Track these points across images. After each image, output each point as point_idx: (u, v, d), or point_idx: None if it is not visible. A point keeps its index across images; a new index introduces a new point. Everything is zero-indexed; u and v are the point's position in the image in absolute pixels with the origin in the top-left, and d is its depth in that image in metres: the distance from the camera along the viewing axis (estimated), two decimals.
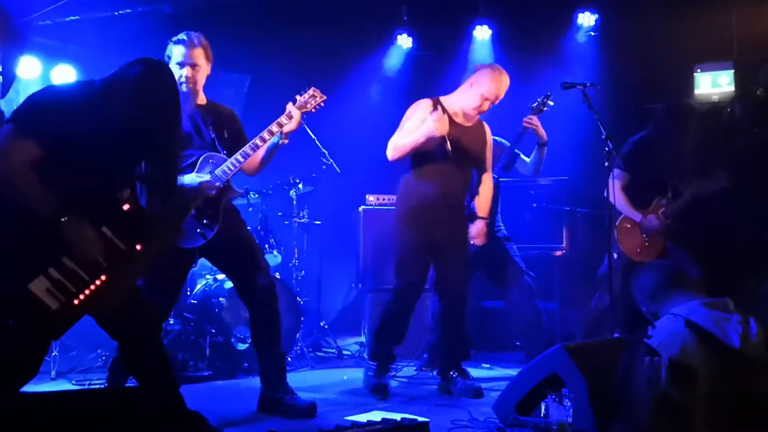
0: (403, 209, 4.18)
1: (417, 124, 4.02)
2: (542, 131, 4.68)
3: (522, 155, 4.93)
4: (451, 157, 4.02)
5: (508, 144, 4.88)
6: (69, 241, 2.55)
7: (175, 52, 3.55)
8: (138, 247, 2.73)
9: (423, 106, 4.11)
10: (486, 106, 4.10)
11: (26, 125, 2.58)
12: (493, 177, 4.76)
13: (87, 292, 2.60)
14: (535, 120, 4.64)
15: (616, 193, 4.34)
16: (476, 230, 4.24)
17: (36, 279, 2.52)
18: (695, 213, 4.33)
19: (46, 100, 2.67)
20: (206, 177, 3.46)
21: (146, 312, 2.93)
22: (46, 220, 2.54)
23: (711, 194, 4.31)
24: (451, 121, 4.04)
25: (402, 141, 4.04)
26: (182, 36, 3.57)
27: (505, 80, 4.12)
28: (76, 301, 2.58)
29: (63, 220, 2.55)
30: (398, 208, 4.26)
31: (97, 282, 2.62)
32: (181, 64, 3.54)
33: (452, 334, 4.22)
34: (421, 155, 4.06)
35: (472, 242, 4.25)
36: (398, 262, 4.18)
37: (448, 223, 4.12)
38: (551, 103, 4.72)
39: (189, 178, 3.43)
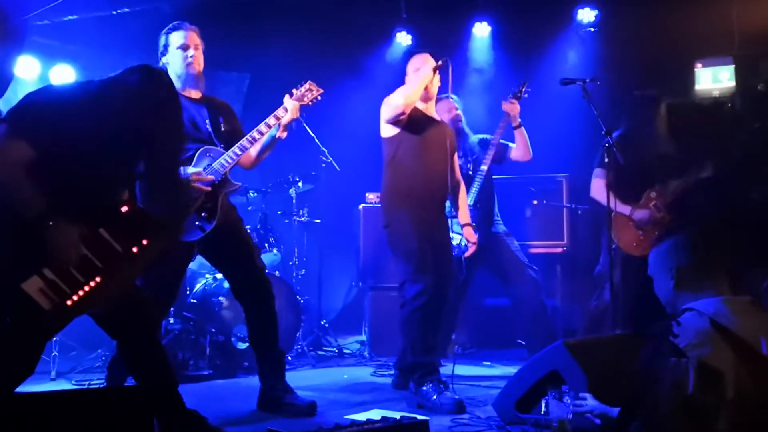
0: (393, 212, 3.97)
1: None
2: (515, 114, 4.80)
3: (511, 144, 4.98)
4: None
5: (490, 137, 4.93)
6: (49, 245, 2.53)
7: (175, 38, 3.60)
8: (135, 249, 2.72)
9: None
10: (423, 72, 3.98)
11: (20, 126, 2.57)
12: (483, 171, 4.81)
13: (81, 293, 2.59)
14: (515, 105, 4.75)
15: (600, 190, 4.43)
16: (469, 233, 4.24)
17: (29, 279, 2.51)
18: (688, 203, 4.34)
19: (42, 100, 2.67)
20: (198, 169, 3.45)
21: (144, 311, 2.92)
22: (32, 222, 2.52)
23: (701, 183, 4.33)
24: (420, 112, 3.99)
25: (409, 85, 3.99)
26: (174, 24, 3.65)
27: (427, 55, 4.12)
28: (69, 302, 2.56)
29: (51, 224, 2.53)
30: (386, 213, 4.00)
31: (92, 283, 2.61)
32: (184, 47, 3.59)
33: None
34: (404, 150, 3.97)
35: (471, 244, 4.24)
36: (407, 269, 3.85)
37: (438, 219, 4.01)
38: (529, 89, 4.81)
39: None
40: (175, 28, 3.63)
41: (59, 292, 2.55)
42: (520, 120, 4.83)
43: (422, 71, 3.99)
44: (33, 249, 2.53)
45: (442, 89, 4.13)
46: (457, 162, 4.29)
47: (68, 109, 2.65)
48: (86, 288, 2.60)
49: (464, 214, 4.29)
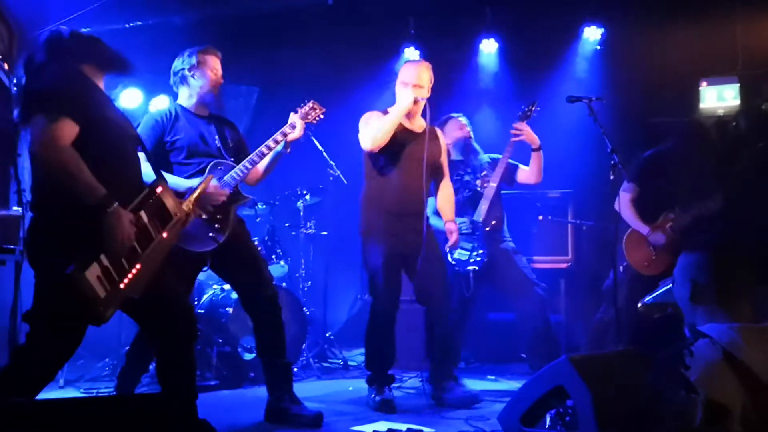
0: (365, 223, 4.13)
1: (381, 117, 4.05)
2: (532, 136, 4.73)
3: (521, 165, 4.95)
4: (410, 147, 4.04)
5: (500, 156, 4.91)
6: (108, 232, 2.44)
7: (211, 61, 3.70)
8: (164, 234, 2.67)
9: (375, 113, 4.11)
10: (414, 93, 4.01)
11: (55, 106, 2.47)
12: (493, 187, 4.82)
13: (126, 280, 2.52)
14: (523, 126, 4.70)
15: (625, 205, 4.40)
16: (449, 230, 4.22)
17: (90, 266, 2.41)
18: (702, 227, 4.34)
19: (60, 79, 2.56)
20: (215, 183, 3.52)
21: (187, 316, 2.90)
22: (90, 209, 2.44)
23: (716, 209, 4.33)
24: (401, 127, 4.04)
25: (380, 123, 3.99)
26: (209, 46, 3.73)
27: (422, 65, 4.14)
28: (118, 289, 2.49)
29: (109, 210, 2.45)
30: (361, 222, 4.17)
31: (134, 270, 2.54)
32: (216, 72, 3.71)
33: (440, 343, 4.19)
34: (380, 164, 4.06)
35: (449, 243, 4.22)
36: (370, 281, 4.14)
37: (413, 232, 4.04)
38: (538, 109, 4.77)
39: (196, 181, 3.46)
40: (211, 52, 3.71)
41: (111, 280, 2.47)
42: (539, 143, 4.75)
43: (400, 104, 4.01)
44: (91, 236, 2.44)
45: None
46: (447, 168, 4.30)
47: (85, 83, 2.61)
48: (130, 275, 2.53)
49: (446, 212, 4.27)
